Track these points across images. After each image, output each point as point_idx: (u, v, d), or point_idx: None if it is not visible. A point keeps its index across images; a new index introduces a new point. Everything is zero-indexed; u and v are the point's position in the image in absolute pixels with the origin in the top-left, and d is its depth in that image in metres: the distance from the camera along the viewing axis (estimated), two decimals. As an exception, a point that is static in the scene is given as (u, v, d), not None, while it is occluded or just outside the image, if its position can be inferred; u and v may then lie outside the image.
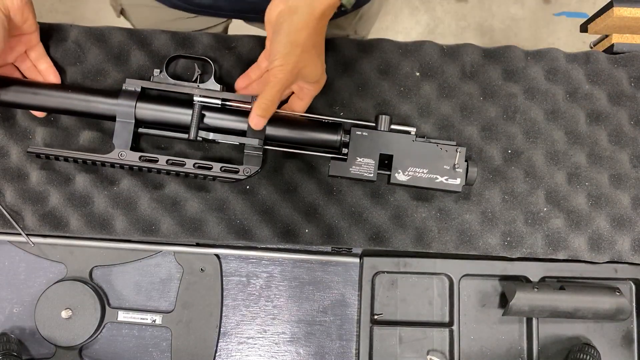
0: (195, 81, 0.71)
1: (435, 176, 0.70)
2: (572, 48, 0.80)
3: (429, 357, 0.74)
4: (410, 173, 0.69)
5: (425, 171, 0.70)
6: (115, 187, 0.72)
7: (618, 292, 0.72)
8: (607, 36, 0.84)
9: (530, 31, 1.85)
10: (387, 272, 0.75)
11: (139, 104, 0.67)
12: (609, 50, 0.81)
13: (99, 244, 0.74)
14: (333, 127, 0.69)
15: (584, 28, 0.86)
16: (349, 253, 0.76)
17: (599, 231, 0.75)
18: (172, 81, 0.70)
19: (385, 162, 0.70)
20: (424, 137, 0.70)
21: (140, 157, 0.68)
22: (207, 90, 0.69)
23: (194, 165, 0.68)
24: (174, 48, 0.74)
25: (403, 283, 0.76)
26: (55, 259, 0.74)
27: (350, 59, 0.76)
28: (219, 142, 0.69)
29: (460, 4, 1.86)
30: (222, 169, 0.68)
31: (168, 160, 0.68)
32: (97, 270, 0.75)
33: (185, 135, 0.68)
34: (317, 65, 0.64)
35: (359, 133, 0.69)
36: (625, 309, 0.72)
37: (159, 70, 0.70)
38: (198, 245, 0.75)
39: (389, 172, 0.70)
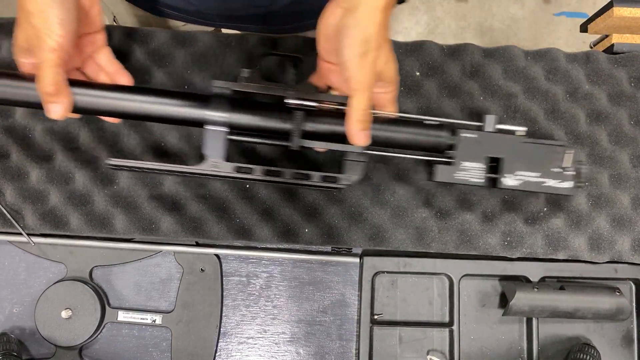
0: (287, 82, 0.64)
1: (545, 180, 0.65)
2: (572, 48, 0.80)
3: (429, 357, 0.74)
4: (519, 177, 0.65)
5: (536, 175, 0.65)
6: (115, 185, 0.73)
7: (618, 292, 0.72)
8: (607, 36, 0.84)
9: (530, 31, 1.85)
10: (387, 272, 0.75)
11: (232, 109, 0.60)
12: (609, 50, 0.82)
13: (99, 243, 0.74)
14: (438, 129, 0.64)
15: (584, 28, 0.86)
16: (349, 253, 0.76)
17: (599, 231, 0.75)
18: (264, 82, 0.62)
19: (493, 164, 0.65)
20: (530, 137, 0.66)
21: (235, 168, 0.61)
22: (303, 92, 0.62)
23: (292, 175, 0.62)
24: (174, 46, 0.74)
25: (403, 283, 0.76)
26: (55, 259, 0.74)
27: (351, 59, 0.75)
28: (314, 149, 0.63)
29: (460, 4, 1.86)
30: (323, 178, 0.62)
31: (265, 170, 0.62)
32: (97, 270, 0.75)
33: (282, 142, 0.62)
34: (392, 61, 0.57)
35: (466, 135, 0.64)
36: (625, 309, 0.72)
37: (247, 71, 0.61)
38: (198, 245, 0.75)
39: (495, 176, 0.65)
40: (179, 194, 0.73)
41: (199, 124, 0.60)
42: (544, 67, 0.77)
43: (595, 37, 0.87)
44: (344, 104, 0.59)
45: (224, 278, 0.75)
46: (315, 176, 0.62)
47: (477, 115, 0.74)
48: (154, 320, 0.74)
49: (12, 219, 0.71)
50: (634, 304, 0.77)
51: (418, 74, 0.76)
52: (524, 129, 0.65)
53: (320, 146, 0.62)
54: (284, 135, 0.61)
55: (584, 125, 0.77)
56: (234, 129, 0.61)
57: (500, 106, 0.76)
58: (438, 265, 0.75)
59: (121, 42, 0.74)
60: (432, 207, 0.74)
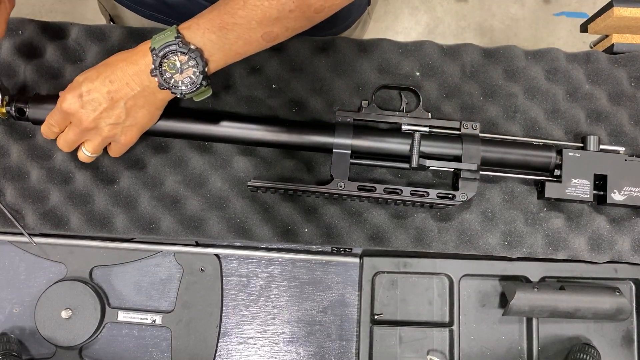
0: (402, 110, 0.73)
1: None
2: (572, 48, 0.80)
3: (429, 357, 0.74)
4: (626, 193, 0.70)
5: None
6: (115, 185, 0.73)
7: (618, 292, 0.72)
8: (607, 36, 0.84)
9: (530, 31, 1.85)
10: (387, 272, 0.75)
11: (355, 135, 0.68)
12: (609, 50, 0.81)
13: (99, 243, 0.74)
14: (546, 149, 0.70)
15: (584, 28, 0.86)
16: (349, 253, 0.76)
17: (599, 231, 0.75)
18: (382, 111, 0.71)
19: (596, 182, 0.71)
20: (633, 156, 0.71)
21: (358, 187, 0.68)
22: (417, 119, 0.71)
23: (410, 193, 0.69)
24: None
25: (403, 283, 0.76)
26: (56, 259, 0.74)
27: (350, 59, 0.75)
28: (429, 168, 0.70)
29: (460, 4, 1.86)
30: (439, 195, 0.69)
31: (385, 188, 0.69)
32: (97, 270, 0.75)
33: (398, 164, 0.70)
34: None
35: (572, 154, 0.70)
36: (625, 309, 0.72)
37: (366, 102, 0.71)
38: (198, 245, 0.75)
39: (601, 193, 0.71)
40: (179, 194, 0.73)
41: (328, 149, 0.68)
42: (544, 67, 0.77)
43: (595, 37, 0.87)
44: (456, 129, 0.70)
45: (224, 278, 0.75)
46: (432, 193, 0.68)
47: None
48: (154, 320, 0.74)
49: (13, 219, 0.71)
50: (634, 304, 0.77)
51: (418, 74, 0.76)
52: (622, 148, 0.72)
53: (436, 165, 0.69)
54: (401, 157, 0.69)
55: (584, 125, 0.77)
56: (357, 152, 0.69)
57: (500, 106, 0.76)
58: (438, 265, 0.75)
59: (122, 42, 0.74)
60: (432, 207, 0.74)
